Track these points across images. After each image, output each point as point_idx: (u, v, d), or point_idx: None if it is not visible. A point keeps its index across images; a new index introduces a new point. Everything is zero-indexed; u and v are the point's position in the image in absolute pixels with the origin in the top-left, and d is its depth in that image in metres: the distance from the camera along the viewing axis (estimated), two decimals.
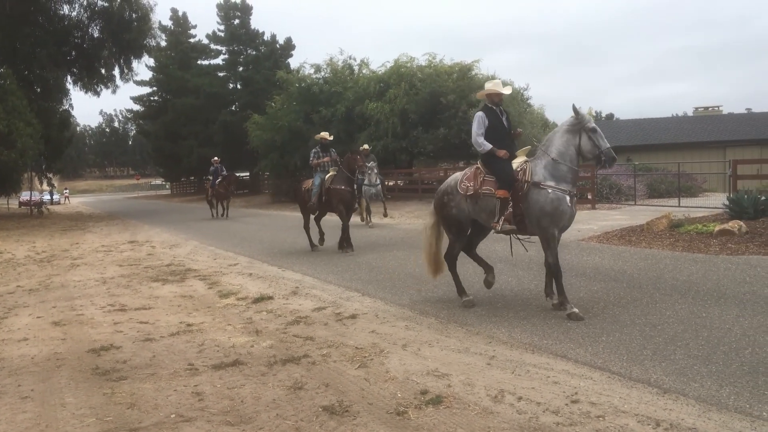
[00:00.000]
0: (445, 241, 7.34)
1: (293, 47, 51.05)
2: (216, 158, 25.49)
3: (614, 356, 5.00)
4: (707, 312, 6.07)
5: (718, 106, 42.62)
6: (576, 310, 6.16)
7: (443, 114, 26.48)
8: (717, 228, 10.62)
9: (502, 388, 4.46)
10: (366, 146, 18.43)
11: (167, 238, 17.30)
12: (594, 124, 6.48)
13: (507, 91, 7.23)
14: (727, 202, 12.41)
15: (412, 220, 17.81)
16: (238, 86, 51.67)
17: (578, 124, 6.48)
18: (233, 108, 50.93)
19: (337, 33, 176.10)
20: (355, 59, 32.67)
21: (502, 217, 6.58)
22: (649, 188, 21.73)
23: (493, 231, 7.04)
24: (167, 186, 77.37)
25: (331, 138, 13.35)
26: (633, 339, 5.39)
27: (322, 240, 12.73)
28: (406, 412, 4.11)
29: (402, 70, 29.22)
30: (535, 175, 6.49)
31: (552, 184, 6.39)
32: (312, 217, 12.90)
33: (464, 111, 25.42)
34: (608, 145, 6.43)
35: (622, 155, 33.24)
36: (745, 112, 45.15)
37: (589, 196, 19.30)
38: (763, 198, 11.70)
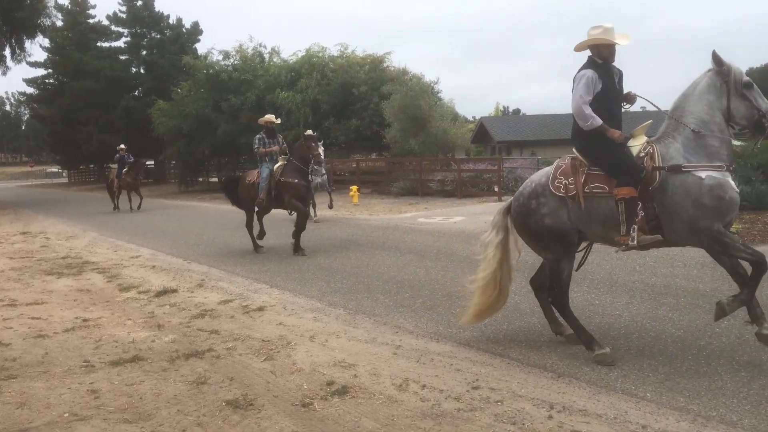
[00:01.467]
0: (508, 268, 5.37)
1: (201, 32, 49.51)
2: (122, 146, 23.41)
3: (514, 343, 5.20)
4: (600, 300, 6.43)
5: None
6: None
7: (355, 105, 26.57)
8: None
9: (407, 376, 4.54)
10: (310, 131, 16.21)
11: (63, 229, 16.41)
12: (748, 78, 4.79)
13: (624, 41, 4.98)
14: None
15: (323, 212, 17.73)
16: (142, 71, 49.62)
17: (724, 80, 4.74)
18: (136, 93, 48.85)
19: (247, 19, 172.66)
20: (265, 47, 32.22)
21: (634, 226, 4.66)
22: None
23: (617, 250, 5.00)
24: (64, 174, 73.23)
25: (279, 122, 11.54)
26: (532, 326, 5.63)
27: (261, 235, 11.16)
28: (311, 404, 4.11)
29: (314, 59, 29.05)
30: (671, 157, 4.67)
31: (704, 163, 4.55)
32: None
33: (376, 103, 25.59)
34: None
35: (528, 149, 34.58)
36: (641, 110, 47.92)
37: (496, 189, 19.91)
38: None
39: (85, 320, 6.50)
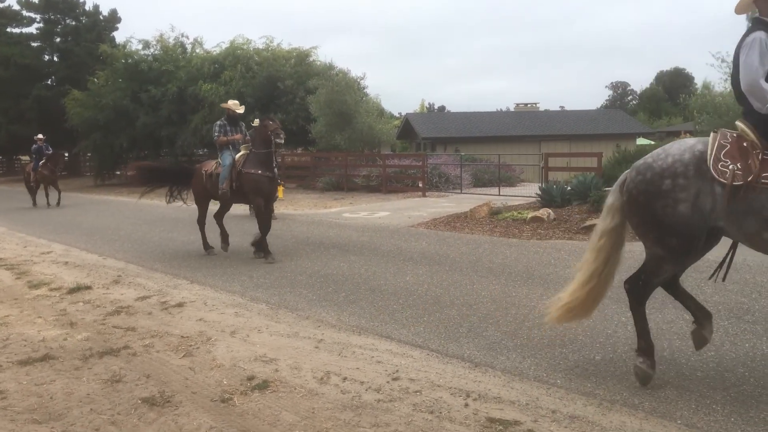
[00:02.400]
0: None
1: (119, 20, 47.51)
2: (40, 135, 21.48)
3: (434, 335, 5.32)
4: (517, 291, 6.65)
5: (535, 103, 46.41)
6: None
7: (281, 99, 26.27)
8: (530, 215, 11.62)
9: (329, 369, 4.57)
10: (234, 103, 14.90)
11: None
12: None
13: None
14: (539, 192, 13.61)
15: (247, 206, 17.45)
16: (55, 58, 47.19)
17: None
18: (49, 82, 46.46)
19: (168, 8, 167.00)
20: (187, 37, 31.40)
21: None
22: (474, 178, 23.19)
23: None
24: None
25: (242, 110, 10.29)
26: (451, 318, 5.77)
27: (226, 242, 9.98)
28: (231, 399, 4.08)
29: (238, 51, 28.52)
30: None
31: None
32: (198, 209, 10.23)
33: (302, 97, 25.40)
34: None
35: (452, 146, 35.19)
36: (559, 109, 49.64)
37: (420, 185, 20.19)
38: (569, 188, 12.98)
39: None
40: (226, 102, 10.49)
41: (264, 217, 9.27)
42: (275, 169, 9.31)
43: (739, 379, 4.12)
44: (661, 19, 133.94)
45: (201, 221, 10.22)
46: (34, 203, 20.67)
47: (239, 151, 9.70)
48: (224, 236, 10.02)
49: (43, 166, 20.52)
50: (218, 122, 10.03)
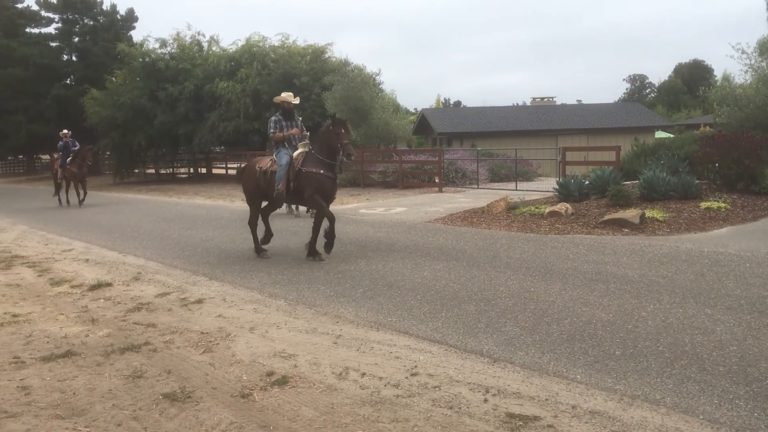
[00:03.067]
0: None
1: (136, 19, 47.94)
2: (65, 131, 20.26)
3: (452, 330, 5.31)
4: (535, 287, 6.62)
5: (552, 97, 46.04)
6: None
7: (297, 96, 26.33)
8: (547, 210, 11.54)
9: (347, 365, 4.58)
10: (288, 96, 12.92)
11: None
12: None
13: None
14: (556, 186, 13.52)
15: (264, 203, 17.57)
16: (74, 58, 47.68)
17: None
18: (68, 81, 46.95)
19: (184, 6, 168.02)
20: (204, 35, 31.54)
21: None
22: (491, 173, 23.07)
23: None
24: None
25: (297, 101, 9.45)
26: (469, 313, 5.76)
27: (267, 239, 9.40)
28: (251, 394, 4.10)
29: (254, 49, 28.65)
30: None
31: None
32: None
33: (318, 94, 25.43)
34: None
35: (468, 141, 35.05)
36: (576, 103, 49.24)
37: (437, 180, 20.14)
38: (586, 182, 12.88)
39: (14, 315, 6.27)
40: (279, 95, 9.58)
41: (321, 219, 8.66)
42: (338, 171, 8.75)
43: (762, 374, 4.06)
44: (679, 10, 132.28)
45: (252, 222, 9.56)
46: (61, 202, 19.72)
47: (296, 147, 8.98)
48: (268, 235, 9.41)
49: (71, 163, 19.41)
50: (273, 117, 9.19)
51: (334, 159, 8.55)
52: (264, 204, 9.59)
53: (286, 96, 9.44)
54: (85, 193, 19.56)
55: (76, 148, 19.70)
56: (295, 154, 8.83)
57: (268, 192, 9.11)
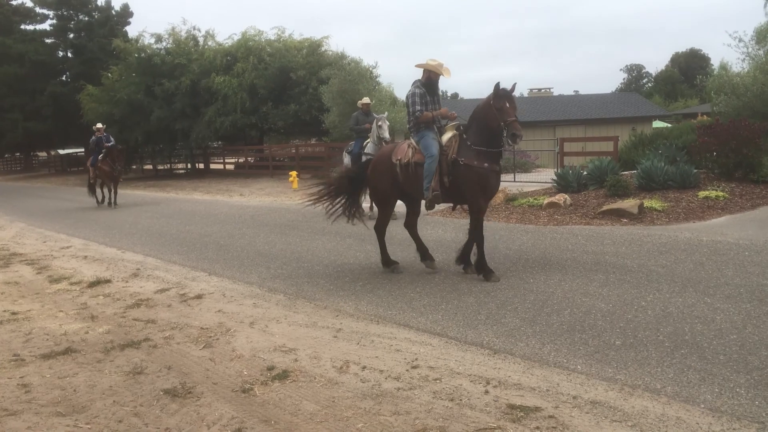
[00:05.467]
0: None
1: (131, 14, 47.70)
2: (99, 125, 18.61)
3: (452, 322, 5.31)
4: (534, 278, 6.61)
5: (549, 88, 46.02)
6: None
7: (293, 90, 26.26)
8: (546, 201, 11.53)
9: (348, 359, 4.58)
10: (367, 99, 13.36)
11: None
12: None
13: None
14: (554, 177, 13.50)
15: (263, 197, 17.52)
16: (69, 54, 47.46)
17: None
18: (64, 78, 46.78)
19: (179, 1, 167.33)
20: (199, 30, 31.39)
21: None
22: None
23: None
24: None
25: (449, 75, 7.25)
26: (469, 305, 5.75)
27: (430, 257, 7.40)
28: (251, 389, 4.10)
29: (250, 43, 28.55)
30: None
31: None
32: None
33: (314, 87, 25.35)
34: None
35: None
36: (573, 93, 49.17)
37: None
38: (585, 173, 12.86)
39: (13, 313, 6.26)
40: (423, 62, 7.31)
41: (481, 223, 6.83)
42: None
43: (762, 362, 4.07)
44: (676, 0, 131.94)
45: (381, 227, 7.55)
46: (98, 202, 18.27)
47: (443, 131, 7.12)
48: (424, 250, 7.42)
49: (103, 161, 17.63)
50: (416, 90, 7.14)
51: (498, 145, 6.63)
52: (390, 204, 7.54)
53: (435, 64, 7.19)
54: (116, 194, 17.95)
55: (110, 144, 17.96)
56: (444, 139, 6.96)
57: (410, 191, 7.19)
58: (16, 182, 39.04)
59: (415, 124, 7.10)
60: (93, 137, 18.42)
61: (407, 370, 4.29)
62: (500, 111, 6.40)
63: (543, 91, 45.37)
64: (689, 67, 68.76)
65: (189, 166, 35.74)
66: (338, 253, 8.61)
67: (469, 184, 6.65)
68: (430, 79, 7.24)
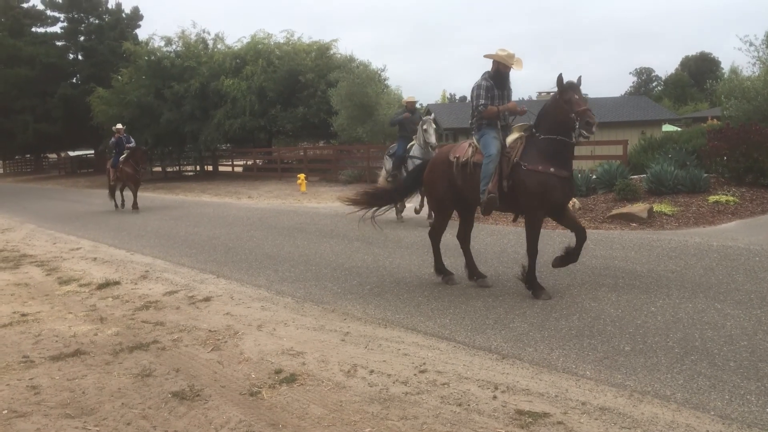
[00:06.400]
0: None
1: (141, 17, 48.06)
2: (119, 125, 18.10)
3: (460, 327, 5.30)
4: (542, 282, 6.55)
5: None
6: None
7: (302, 93, 26.35)
8: None
9: (355, 362, 4.58)
10: (412, 97, 13.36)
11: None
12: None
13: None
14: None
15: (271, 200, 17.57)
16: (80, 57, 47.82)
17: None
18: (74, 80, 47.09)
19: (189, 4, 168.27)
20: (209, 33, 31.58)
21: None
22: None
23: None
24: None
25: (520, 66, 6.50)
26: (477, 310, 5.74)
27: (479, 274, 6.77)
28: (259, 392, 4.10)
29: (259, 46, 28.70)
30: None
31: None
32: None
33: (323, 90, 25.43)
34: None
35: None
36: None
37: None
38: (594, 177, 12.82)
39: (23, 315, 6.30)
40: (494, 53, 6.46)
41: (535, 239, 6.18)
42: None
43: None
44: (686, 2, 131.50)
45: (436, 234, 7.02)
46: (117, 206, 17.61)
47: (510, 130, 6.49)
48: (473, 266, 6.81)
49: (125, 163, 16.90)
50: (482, 83, 6.47)
51: (569, 138, 5.90)
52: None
53: (505, 55, 6.42)
54: (134, 197, 17.16)
55: (131, 145, 17.46)
56: (509, 139, 6.32)
57: (467, 194, 6.49)
58: (27, 183, 39.33)
59: (478, 119, 6.43)
60: (113, 138, 17.82)
61: (415, 375, 4.28)
62: (569, 102, 5.87)
63: (551, 94, 45.23)
64: (699, 70, 68.46)
65: (198, 168, 35.88)
66: (346, 256, 8.62)
67: (527, 193, 5.96)
68: (498, 72, 6.50)
